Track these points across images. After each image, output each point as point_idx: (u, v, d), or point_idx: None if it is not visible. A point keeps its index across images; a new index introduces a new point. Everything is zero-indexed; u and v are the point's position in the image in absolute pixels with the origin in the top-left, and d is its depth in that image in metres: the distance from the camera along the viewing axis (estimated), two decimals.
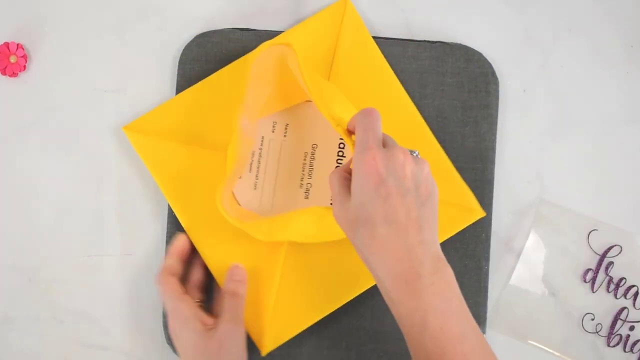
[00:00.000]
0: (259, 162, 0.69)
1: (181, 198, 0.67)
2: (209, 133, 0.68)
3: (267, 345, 0.66)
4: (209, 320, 0.62)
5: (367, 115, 0.53)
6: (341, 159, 0.69)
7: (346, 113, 0.59)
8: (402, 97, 0.69)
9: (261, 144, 0.69)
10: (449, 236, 0.68)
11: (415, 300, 0.49)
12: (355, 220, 0.51)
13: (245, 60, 0.69)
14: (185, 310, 0.61)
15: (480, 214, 0.68)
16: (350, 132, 0.57)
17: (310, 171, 0.69)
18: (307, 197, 0.68)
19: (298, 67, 0.60)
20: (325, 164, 0.69)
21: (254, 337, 0.66)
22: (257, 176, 0.69)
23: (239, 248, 0.66)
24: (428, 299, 0.49)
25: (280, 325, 0.66)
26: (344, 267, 0.67)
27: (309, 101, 0.69)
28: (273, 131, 0.69)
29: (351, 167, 0.53)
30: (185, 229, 0.67)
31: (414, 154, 0.55)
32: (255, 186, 0.69)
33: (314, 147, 0.69)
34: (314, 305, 0.67)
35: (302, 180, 0.68)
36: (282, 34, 0.69)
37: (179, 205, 0.67)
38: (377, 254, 0.50)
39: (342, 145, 0.69)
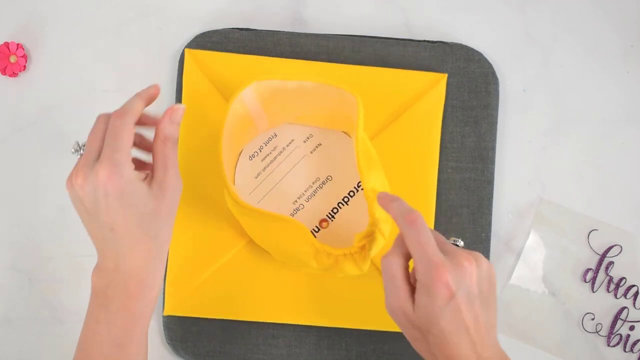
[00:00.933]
0: (275, 158, 0.69)
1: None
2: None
3: (170, 308, 0.67)
4: (141, 174, 0.53)
5: (419, 227, 0.51)
6: (342, 203, 0.68)
7: (380, 184, 0.61)
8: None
9: (287, 145, 0.69)
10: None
11: None
12: (423, 326, 0.51)
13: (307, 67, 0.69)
14: (123, 157, 0.51)
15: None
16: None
17: (310, 195, 0.68)
18: (293, 215, 0.68)
19: (357, 119, 0.60)
20: (328, 197, 0.68)
21: (168, 292, 0.67)
22: (264, 169, 0.69)
23: (207, 219, 0.67)
24: None
25: (196, 298, 0.67)
26: (285, 289, 0.67)
27: (350, 136, 0.69)
28: (304, 142, 0.69)
29: (410, 268, 0.53)
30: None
31: (460, 244, 0.56)
32: (257, 175, 0.69)
33: (328, 178, 0.68)
34: (235, 303, 0.67)
35: (298, 199, 0.68)
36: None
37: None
38: (449, 356, 0.51)
39: (351, 193, 0.68)
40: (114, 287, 0.52)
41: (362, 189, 0.68)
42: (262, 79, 0.62)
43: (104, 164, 0.50)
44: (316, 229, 0.68)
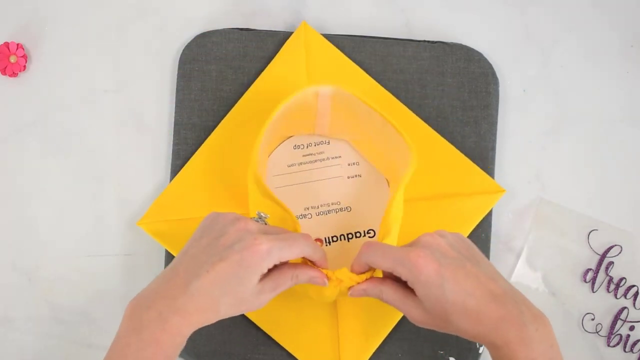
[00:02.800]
0: (315, 161, 0.69)
1: None
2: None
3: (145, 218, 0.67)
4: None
5: (374, 245, 0.56)
6: (345, 237, 0.68)
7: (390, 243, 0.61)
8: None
9: (333, 157, 0.69)
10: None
11: (526, 351, 0.51)
12: (442, 313, 0.53)
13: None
14: (274, 261, 0.53)
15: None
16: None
17: (323, 212, 0.68)
18: (297, 218, 0.67)
19: (405, 174, 0.60)
20: (337, 223, 0.68)
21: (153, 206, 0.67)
22: (300, 164, 0.69)
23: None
24: (536, 348, 0.51)
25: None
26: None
27: (388, 185, 0.69)
28: (349, 164, 0.69)
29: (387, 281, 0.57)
30: None
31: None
32: (290, 165, 0.69)
33: (347, 208, 0.68)
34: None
35: (311, 208, 0.68)
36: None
37: None
38: (480, 325, 0.52)
39: (358, 234, 0.68)
40: (153, 315, 0.51)
41: (369, 236, 0.68)
42: (346, 88, 0.62)
43: (265, 243, 0.52)
44: None
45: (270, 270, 0.55)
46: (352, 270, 0.58)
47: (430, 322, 0.55)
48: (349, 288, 0.58)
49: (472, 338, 0.54)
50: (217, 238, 0.53)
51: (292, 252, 0.54)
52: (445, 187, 0.68)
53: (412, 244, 0.55)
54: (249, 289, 0.53)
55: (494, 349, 0.53)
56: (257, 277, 0.53)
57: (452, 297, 0.52)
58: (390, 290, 0.56)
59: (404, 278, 0.54)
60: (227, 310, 0.53)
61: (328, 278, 0.58)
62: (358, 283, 0.58)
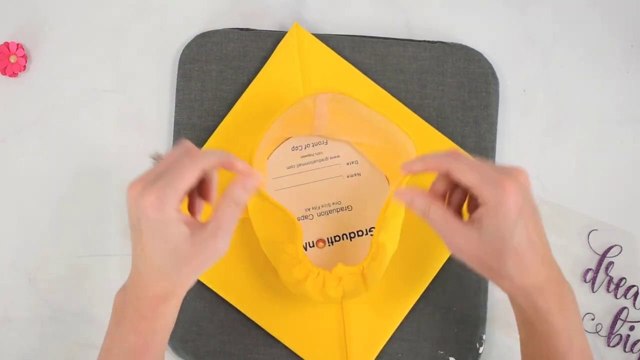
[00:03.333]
0: (314, 161, 0.69)
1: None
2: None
3: None
4: (186, 218, 0.51)
5: (459, 155, 0.53)
6: (347, 236, 0.68)
7: (390, 240, 0.62)
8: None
9: (331, 157, 0.69)
10: None
11: (564, 320, 0.51)
12: (499, 252, 0.51)
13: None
14: (172, 194, 0.49)
15: None
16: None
17: (324, 213, 0.68)
18: (298, 220, 0.67)
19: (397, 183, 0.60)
20: (338, 223, 0.68)
21: None
22: (299, 166, 0.69)
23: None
24: (574, 318, 0.52)
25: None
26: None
27: (388, 183, 0.69)
28: (348, 164, 0.69)
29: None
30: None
31: None
32: (289, 167, 0.69)
33: (349, 207, 0.68)
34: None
35: (312, 209, 0.68)
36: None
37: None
38: (531, 280, 0.51)
39: (360, 233, 0.68)
40: (128, 306, 0.52)
41: (371, 234, 0.68)
42: (344, 92, 0.62)
43: (152, 192, 0.49)
44: (310, 244, 0.68)
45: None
46: (406, 167, 0.54)
47: (478, 256, 0.52)
48: (396, 190, 0.55)
49: (514, 292, 0.52)
50: (130, 218, 0.51)
51: (185, 179, 0.50)
52: None
53: (503, 170, 0.52)
54: (181, 241, 0.50)
55: (533, 312, 0.52)
56: (175, 225, 0.49)
57: (518, 241, 0.50)
58: (439, 210, 0.53)
59: (482, 199, 0.50)
60: (178, 272, 0.50)
61: (325, 280, 0.58)
62: (408, 188, 0.54)
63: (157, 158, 0.54)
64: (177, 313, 0.53)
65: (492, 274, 0.53)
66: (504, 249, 0.50)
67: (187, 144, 0.53)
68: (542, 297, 0.51)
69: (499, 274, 0.52)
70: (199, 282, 0.67)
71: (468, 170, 0.51)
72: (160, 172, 0.51)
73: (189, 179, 0.50)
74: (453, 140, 0.69)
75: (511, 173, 0.51)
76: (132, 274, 0.53)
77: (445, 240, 0.53)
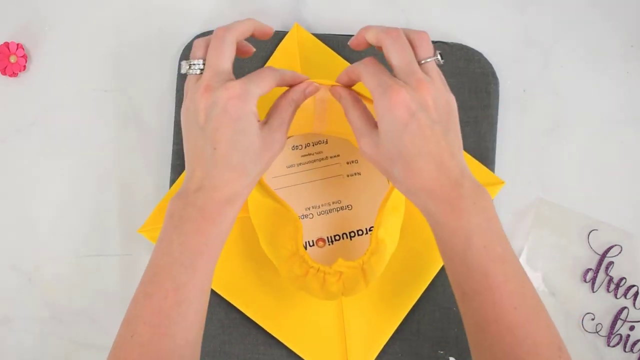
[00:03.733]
0: (314, 160, 0.69)
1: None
2: None
3: None
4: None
5: (370, 62, 0.54)
6: (347, 235, 0.68)
7: (390, 238, 0.62)
8: None
9: (331, 157, 0.69)
10: None
11: (459, 220, 0.51)
12: (389, 157, 0.52)
13: None
14: (256, 92, 0.53)
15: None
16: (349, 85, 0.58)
17: (324, 212, 0.68)
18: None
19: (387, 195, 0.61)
20: (339, 222, 0.68)
21: None
22: (299, 165, 0.69)
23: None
24: (471, 219, 0.51)
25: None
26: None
27: (388, 183, 0.69)
28: (348, 163, 0.69)
29: (371, 108, 0.55)
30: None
31: (434, 59, 0.55)
32: (289, 166, 0.69)
33: (348, 206, 0.68)
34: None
35: (312, 208, 0.68)
36: None
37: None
38: (418, 184, 0.52)
39: (360, 232, 0.68)
40: (190, 209, 0.52)
41: (371, 232, 0.68)
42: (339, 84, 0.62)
43: (237, 86, 0.51)
44: (310, 244, 0.68)
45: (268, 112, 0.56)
46: (338, 79, 0.58)
47: (375, 158, 0.54)
48: (331, 87, 0.58)
49: (407, 195, 0.53)
50: (196, 120, 0.52)
51: (265, 83, 0.54)
52: None
53: (405, 77, 0.52)
54: (257, 136, 0.52)
55: (427, 214, 0.53)
56: (254, 120, 0.52)
57: (404, 149, 0.51)
58: (356, 112, 0.56)
59: (375, 105, 0.52)
60: (254, 167, 0.53)
61: (325, 276, 0.58)
62: (341, 87, 0.58)
63: (191, 65, 0.55)
64: (235, 219, 0.54)
65: (387, 176, 0.54)
66: (391, 155, 0.52)
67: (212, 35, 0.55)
68: (432, 200, 0.51)
69: (391, 177, 0.54)
70: None
71: (369, 76, 0.53)
72: (224, 70, 0.53)
73: (268, 84, 0.54)
74: None
75: (412, 81, 0.52)
76: (193, 178, 0.53)
77: (356, 138, 0.55)
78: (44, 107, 0.71)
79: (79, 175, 0.71)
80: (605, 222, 0.70)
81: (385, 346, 0.67)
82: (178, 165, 0.69)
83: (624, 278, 0.69)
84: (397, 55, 0.52)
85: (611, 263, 0.69)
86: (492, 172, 0.69)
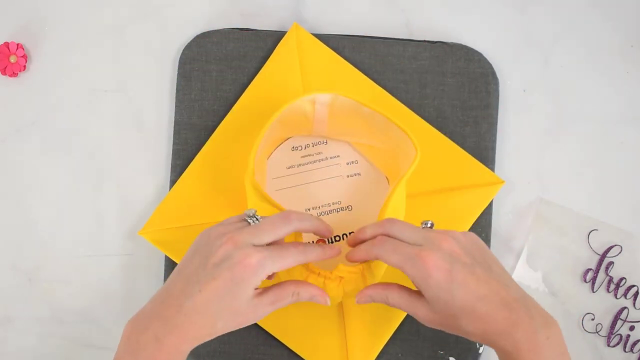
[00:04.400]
0: (314, 161, 0.69)
1: None
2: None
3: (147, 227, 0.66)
4: (257, 290, 0.55)
5: (383, 241, 0.55)
6: (347, 236, 0.68)
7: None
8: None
9: (331, 157, 0.69)
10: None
11: (535, 358, 0.51)
12: (451, 315, 0.53)
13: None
14: (263, 274, 0.53)
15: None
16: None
17: (324, 213, 0.68)
18: None
19: (407, 171, 0.61)
20: (339, 223, 0.68)
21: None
22: (299, 166, 0.69)
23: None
24: (547, 355, 0.51)
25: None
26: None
27: (388, 184, 0.69)
28: (347, 163, 0.69)
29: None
30: None
31: (429, 224, 0.57)
32: (289, 167, 0.69)
33: (349, 207, 0.68)
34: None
35: (312, 209, 0.68)
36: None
37: None
38: (490, 329, 0.52)
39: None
40: (149, 337, 0.52)
41: None
42: (343, 94, 0.62)
43: (255, 256, 0.52)
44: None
45: (272, 286, 0.56)
46: (348, 258, 0.58)
47: (439, 323, 0.54)
48: (356, 295, 0.58)
49: (482, 342, 0.53)
50: (207, 257, 0.53)
51: (284, 262, 0.54)
52: (445, 181, 0.68)
53: (423, 242, 0.54)
54: (244, 303, 0.53)
55: (504, 354, 0.53)
56: (251, 291, 0.53)
57: (462, 302, 0.52)
58: (395, 295, 0.56)
59: (411, 278, 0.53)
60: (224, 325, 0.53)
61: (325, 281, 0.58)
62: (365, 288, 0.58)
63: (252, 218, 0.56)
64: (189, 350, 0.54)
65: (458, 332, 0.54)
66: (452, 313, 0.52)
67: (290, 215, 0.55)
68: (505, 340, 0.51)
69: (462, 331, 0.54)
70: None
71: (391, 254, 0.54)
72: (268, 237, 0.54)
73: (287, 264, 0.54)
74: (453, 140, 0.69)
75: (432, 242, 0.53)
76: (164, 301, 0.53)
77: (410, 314, 0.56)
78: (44, 107, 0.71)
79: (79, 176, 0.71)
80: (605, 222, 0.70)
81: (385, 346, 0.67)
82: (178, 165, 0.69)
83: (624, 278, 0.69)
84: (393, 252, 0.54)
85: (611, 263, 0.69)
86: (492, 172, 0.69)
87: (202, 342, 0.53)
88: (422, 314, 0.55)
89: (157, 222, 0.67)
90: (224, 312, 0.52)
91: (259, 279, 0.52)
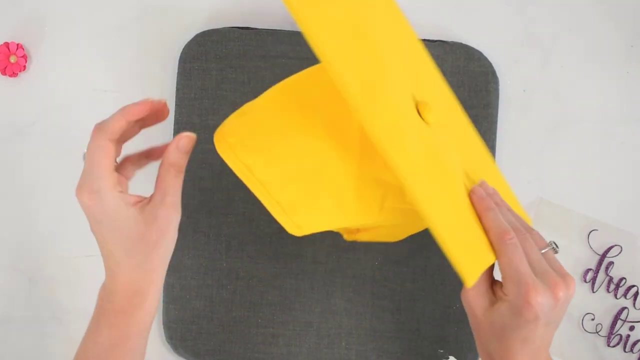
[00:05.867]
0: None
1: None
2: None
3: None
4: (132, 198, 0.51)
5: (512, 247, 0.52)
6: None
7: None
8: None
9: None
10: None
11: None
12: (492, 331, 0.52)
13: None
14: (102, 184, 0.50)
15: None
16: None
17: None
18: None
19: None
20: None
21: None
22: None
23: None
24: None
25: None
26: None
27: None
28: None
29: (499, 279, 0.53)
30: None
31: (556, 249, 0.55)
32: None
33: None
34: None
35: None
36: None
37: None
38: None
39: None
40: (105, 302, 0.52)
41: None
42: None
43: (83, 192, 0.50)
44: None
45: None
46: (472, 191, 0.53)
47: (478, 318, 0.53)
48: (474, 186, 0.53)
49: None
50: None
51: (102, 160, 0.51)
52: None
53: (542, 274, 0.51)
54: (133, 223, 0.50)
55: None
56: (121, 210, 0.49)
57: (514, 335, 0.51)
58: (486, 274, 0.53)
59: (506, 290, 0.51)
60: (143, 257, 0.50)
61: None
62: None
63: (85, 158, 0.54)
64: (156, 305, 0.52)
65: (479, 341, 0.54)
66: (497, 331, 0.52)
67: (97, 125, 0.52)
68: None
69: (483, 348, 0.53)
70: (198, 282, 0.67)
71: (512, 261, 0.51)
72: (86, 168, 0.51)
73: (106, 159, 0.51)
74: None
75: (549, 281, 0.51)
76: (105, 271, 0.53)
77: (473, 295, 0.53)
78: (44, 107, 0.71)
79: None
80: (605, 222, 0.70)
81: (385, 345, 0.67)
82: None
83: (624, 278, 0.69)
84: (533, 256, 0.52)
85: (611, 263, 0.69)
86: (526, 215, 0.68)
87: (145, 291, 0.51)
88: (478, 303, 0.53)
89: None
90: (128, 247, 0.50)
91: (107, 194, 0.49)
